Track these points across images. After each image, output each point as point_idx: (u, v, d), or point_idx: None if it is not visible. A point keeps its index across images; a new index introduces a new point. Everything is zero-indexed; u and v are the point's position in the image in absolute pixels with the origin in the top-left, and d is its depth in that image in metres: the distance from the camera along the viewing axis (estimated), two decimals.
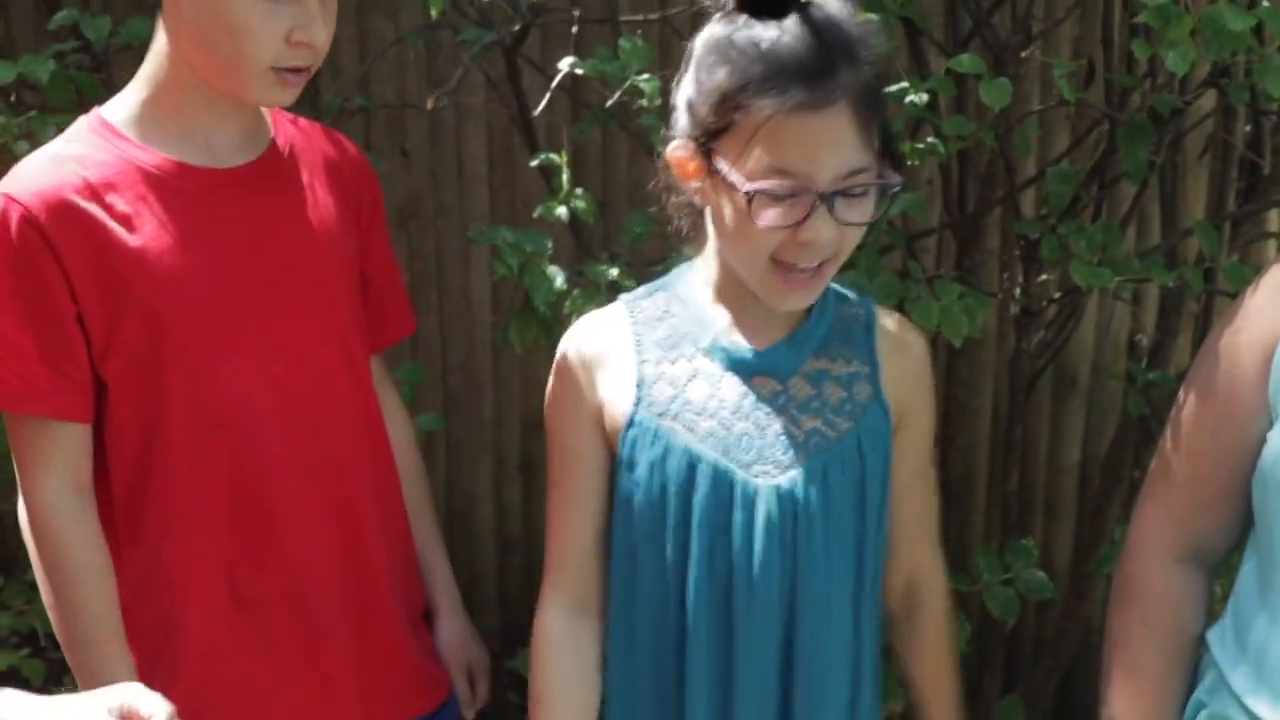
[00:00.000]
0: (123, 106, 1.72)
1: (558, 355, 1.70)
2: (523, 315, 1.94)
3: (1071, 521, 3.11)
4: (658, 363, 1.63)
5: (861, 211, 1.54)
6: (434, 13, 1.99)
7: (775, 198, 1.50)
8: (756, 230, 1.52)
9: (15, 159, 1.75)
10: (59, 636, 1.72)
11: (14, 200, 1.63)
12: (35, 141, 1.88)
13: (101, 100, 1.76)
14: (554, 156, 2.02)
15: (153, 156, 1.69)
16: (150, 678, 1.72)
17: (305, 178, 1.79)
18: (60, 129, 1.78)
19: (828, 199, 1.50)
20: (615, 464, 1.65)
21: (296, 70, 1.66)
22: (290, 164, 1.78)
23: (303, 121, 1.86)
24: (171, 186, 1.69)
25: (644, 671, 1.66)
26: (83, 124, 1.72)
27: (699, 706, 1.63)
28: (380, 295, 1.90)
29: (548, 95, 2.13)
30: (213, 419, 1.71)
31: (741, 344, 1.63)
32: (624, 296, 1.70)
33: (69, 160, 1.67)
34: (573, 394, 1.66)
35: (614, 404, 1.64)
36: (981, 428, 3.05)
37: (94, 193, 1.66)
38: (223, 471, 1.72)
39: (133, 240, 1.66)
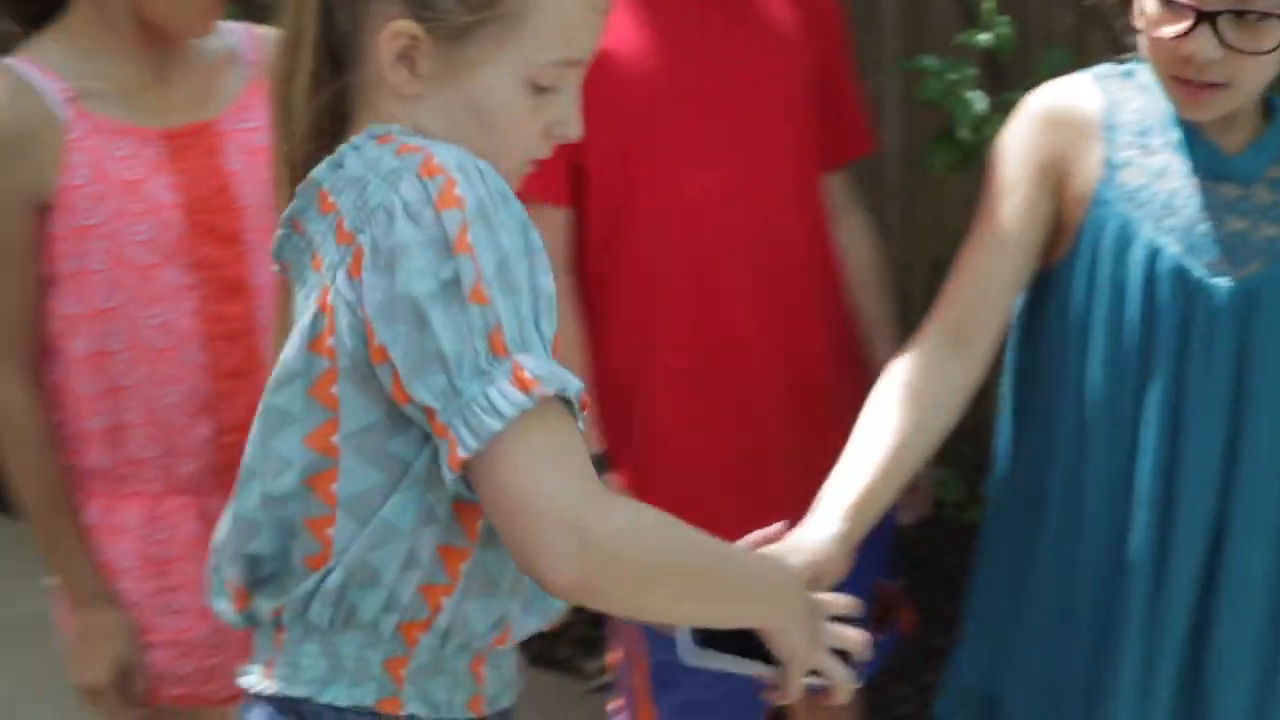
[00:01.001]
0: None
1: (1026, 104, 1.72)
2: (944, 141, 1.99)
3: None
4: (1128, 147, 1.67)
5: (1253, 39, 1.54)
6: None
7: (1166, 9, 1.55)
8: (1153, 39, 1.57)
9: None
10: None
11: None
12: None
13: None
14: None
15: None
16: (614, 441, 1.92)
17: None
18: None
19: (1209, 17, 1.52)
20: (1073, 231, 1.68)
21: None
22: None
23: None
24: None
25: (1096, 446, 1.69)
26: None
27: (1142, 498, 1.66)
28: (838, 113, 1.98)
29: None
30: (671, 210, 1.86)
31: (1209, 145, 1.65)
32: (1094, 71, 1.73)
33: None
34: (1030, 143, 1.69)
35: (1080, 171, 1.67)
36: None
37: None
38: (679, 259, 1.87)
39: (606, 41, 1.81)
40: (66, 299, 1.78)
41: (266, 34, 1.85)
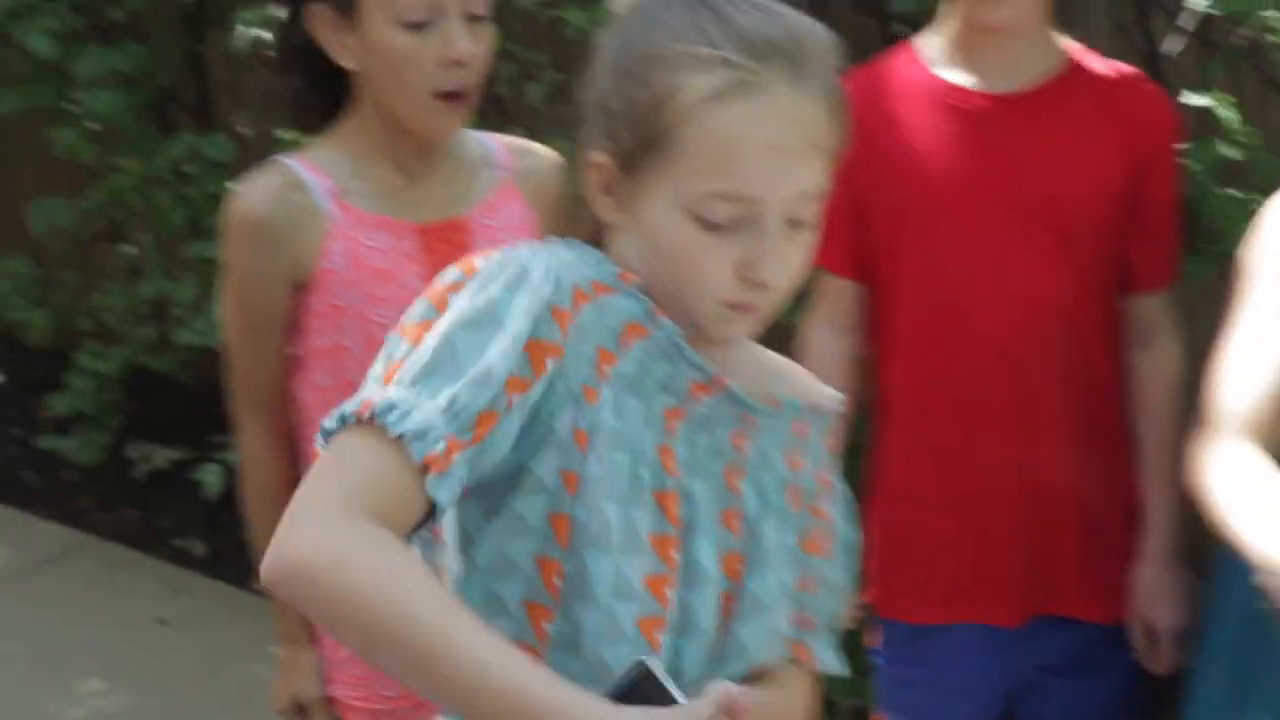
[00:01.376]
0: (933, 37, 2.02)
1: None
2: (1197, 247, 2.03)
3: None
4: None
5: None
6: None
7: None
8: None
9: None
10: None
11: None
12: None
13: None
14: (1201, 98, 2.09)
15: (932, 77, 1.98)
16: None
17: (1080, 112, 1.96)
18: None
19: None
20: None
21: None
22: (1064, 97, 1.97)
23: (1102, 62, 2.02)
24: (941, 101, 1.96)
25: None
26: (900, 53, 2.05)
27: None
28: (1142, 240, 2.02)
29: (1180, 35, 2.19)
30: (934, 300, 1.98)
31: None
32: None
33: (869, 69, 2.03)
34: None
35: None
36: None
37: (878, 97, 1.98)
38: (937, 346, 1.99)
39: (895, 138, 1.97)
40: (321, 372, 1.94)
41: (514, 142, 2.03)
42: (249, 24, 2.98)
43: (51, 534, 4.10)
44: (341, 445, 1.17)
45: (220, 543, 3.99)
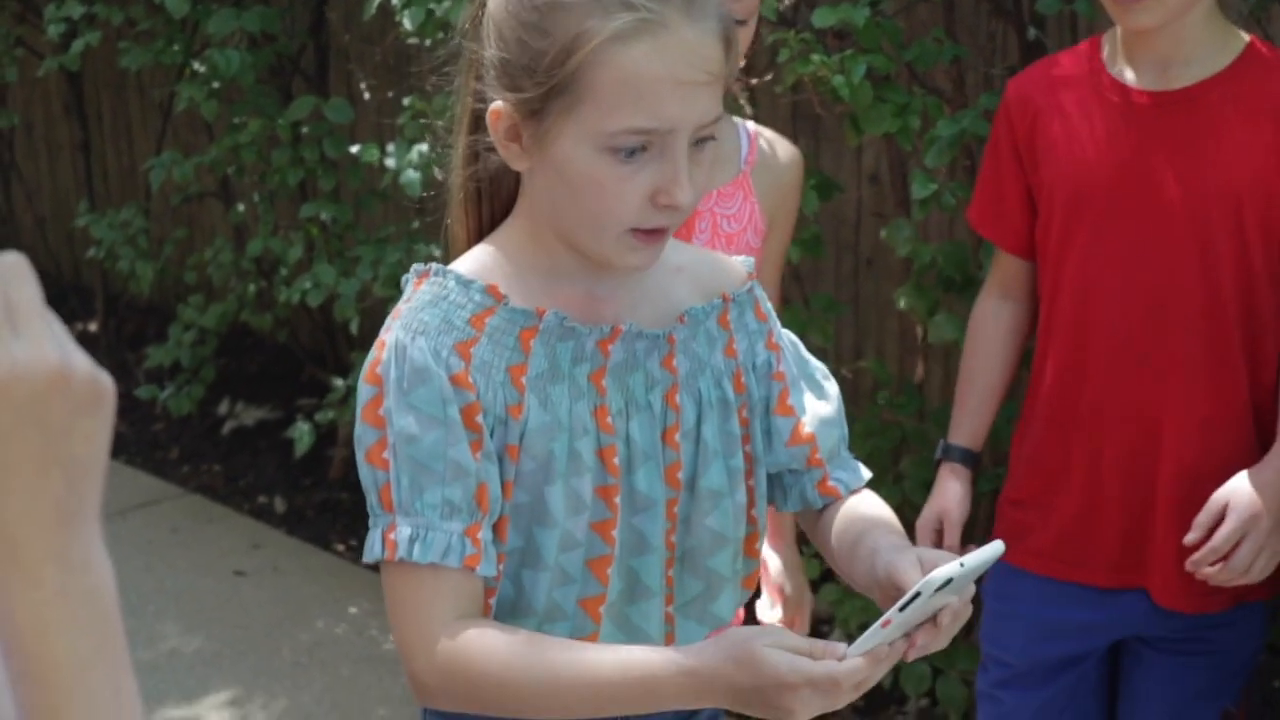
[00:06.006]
0: (1112, 33, 2.00)
1: None
2: None
3: None
4: None
5: None
6: None
7: None
8: None
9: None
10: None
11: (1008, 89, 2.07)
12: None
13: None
14: None
15: (1101, 71, 1.99)
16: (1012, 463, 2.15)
17: (1240, 109, 1.93)
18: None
19: None
20: None
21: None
22: (1224, 95, 1.94)
23: (1270, 54, 1.98)
24: (1105, 97, 1.97)
25: None
26: (1085, 46, 2.05)
27: None
28: None
29: None
30: (1075, 287, 2.00)
31: None
32: None
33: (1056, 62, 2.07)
34: None
35: None
36: None
37: (1053, 86, 2.01)
38: (1075, 334, 2.01)
39: (1060, 129, 1.99)
40: None
41: (762, 133, 2.04)
42: None
43: (138, 482, 4.20)
44: (395, 588, 1.32)
45: (300, 501, 4.06)
